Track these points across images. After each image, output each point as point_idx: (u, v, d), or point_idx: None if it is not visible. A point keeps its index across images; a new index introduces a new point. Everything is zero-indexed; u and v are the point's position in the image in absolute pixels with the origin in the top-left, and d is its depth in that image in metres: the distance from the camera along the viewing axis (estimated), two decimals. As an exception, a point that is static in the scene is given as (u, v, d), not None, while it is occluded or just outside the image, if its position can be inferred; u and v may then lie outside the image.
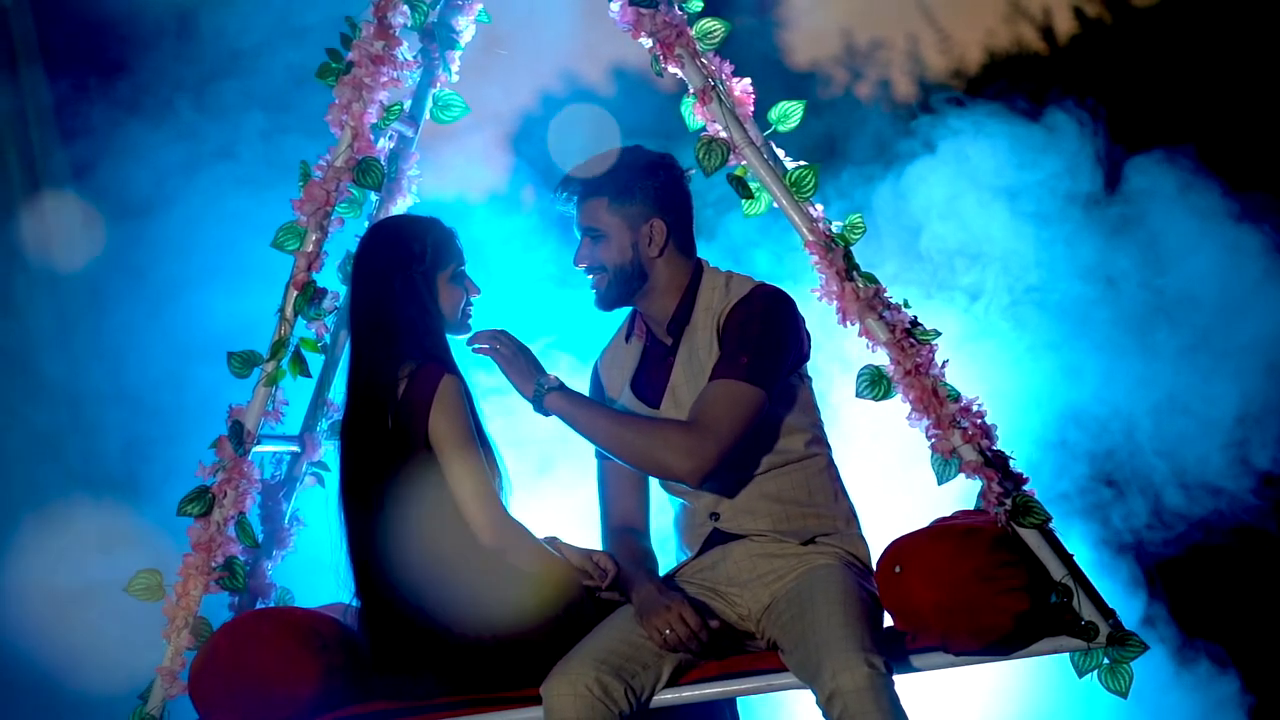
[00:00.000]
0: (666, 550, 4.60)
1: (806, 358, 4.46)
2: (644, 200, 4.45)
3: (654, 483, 4.57)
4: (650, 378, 4.52)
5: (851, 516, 4.47)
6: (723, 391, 4.30)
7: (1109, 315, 6.16)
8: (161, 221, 6.34)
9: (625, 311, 4.63)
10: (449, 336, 4.47)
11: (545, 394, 4.38)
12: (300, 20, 6.33)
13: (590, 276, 4.53)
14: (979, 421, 4.32)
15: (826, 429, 4.53)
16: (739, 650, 4.36)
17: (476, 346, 4.46)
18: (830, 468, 4.48)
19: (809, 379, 4.49)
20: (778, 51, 9.24)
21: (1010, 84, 6.67)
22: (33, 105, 6.67)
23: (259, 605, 4.61)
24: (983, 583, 4.14)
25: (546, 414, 4.41)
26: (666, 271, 4.48)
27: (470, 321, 4.50)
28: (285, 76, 6.33)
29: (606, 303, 4.53)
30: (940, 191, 6.05)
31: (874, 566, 4.40)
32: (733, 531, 4.43)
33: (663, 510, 4.62)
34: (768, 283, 4.49)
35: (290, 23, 6.36)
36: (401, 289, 4.39)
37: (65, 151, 6.68)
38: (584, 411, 4.38)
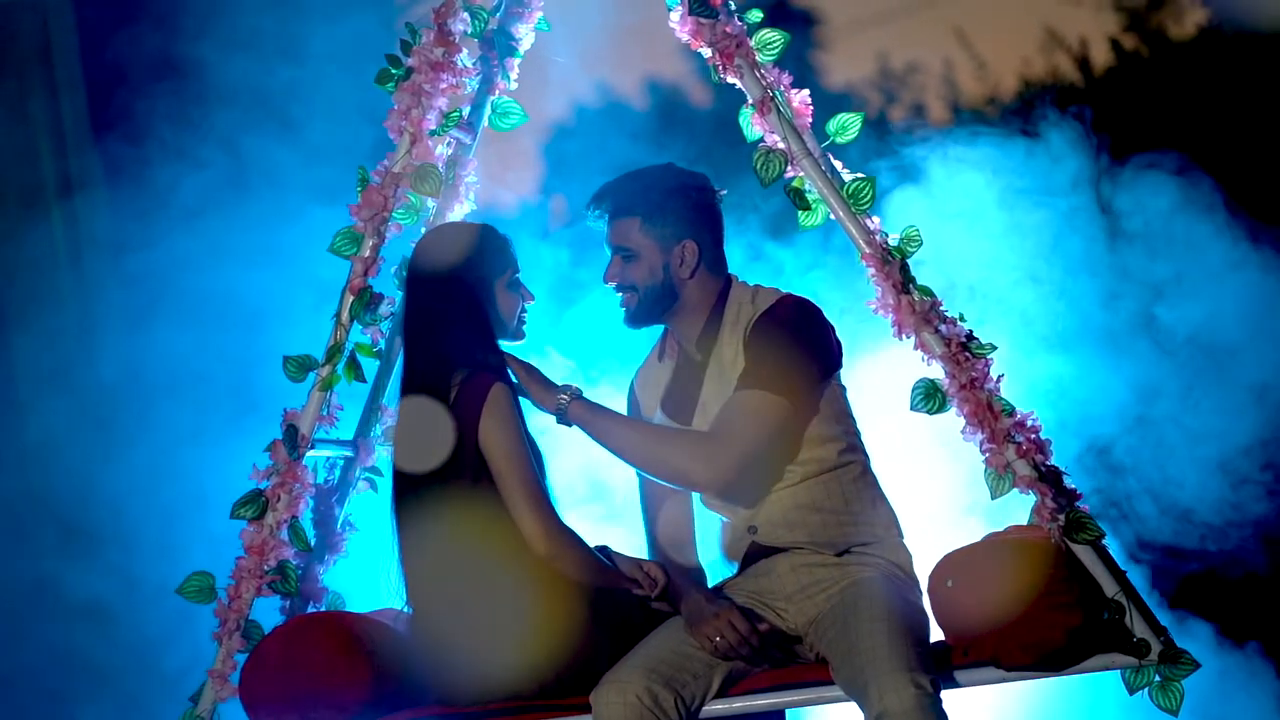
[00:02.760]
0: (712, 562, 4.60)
1: (838, 365, 4.45)
2: (677, 221, 4.46)
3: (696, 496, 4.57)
4: (681, 395, 4.52)
5: (892, 523, 4.45)
6: (744, 401, 4.29)
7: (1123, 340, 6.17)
8: (186, 232, 6.38)
9: (655, 330, 4.64)
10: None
11: (569, 405, 4.38)
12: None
13: (620, 295, 4.53)
14: (1033, 437, 4.30)
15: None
16: (790, 657, 4.35)
17: None
18: (866, 474, 4.46)
19: (842, 387, 4.47)
20: (813, 72, 9.27)
21: (1041, 111, 6.67)
22: (69, 108, 6.69)
23: (310, 609, 4.61)
24: (1036, 597, 4.13)
25: (569, 424, 4.40)
26: (698, 291, 4.48)
27: (524, 328, 4.51)
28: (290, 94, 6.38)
29: (635, 321, 4.53)
30: (947, 214, 6.05)
31: (917, 575, 4.40)
32: (771, 544, 4.42)
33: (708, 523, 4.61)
34: (794, 293, 4.49)
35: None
36: (455, 296, 4.39)
37: (99, 154, 6.71)
38: (604, 421, 4.39)
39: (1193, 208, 6.14)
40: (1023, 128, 6.25)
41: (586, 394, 4.45)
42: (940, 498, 5.49)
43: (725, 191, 4.54)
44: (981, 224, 5.99)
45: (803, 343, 4.35)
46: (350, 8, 6.66)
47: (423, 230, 4.66)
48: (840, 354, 4.45)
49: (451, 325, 4.38)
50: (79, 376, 6.51)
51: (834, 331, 4.44)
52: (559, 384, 4.43)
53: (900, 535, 4.46)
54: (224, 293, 6.30)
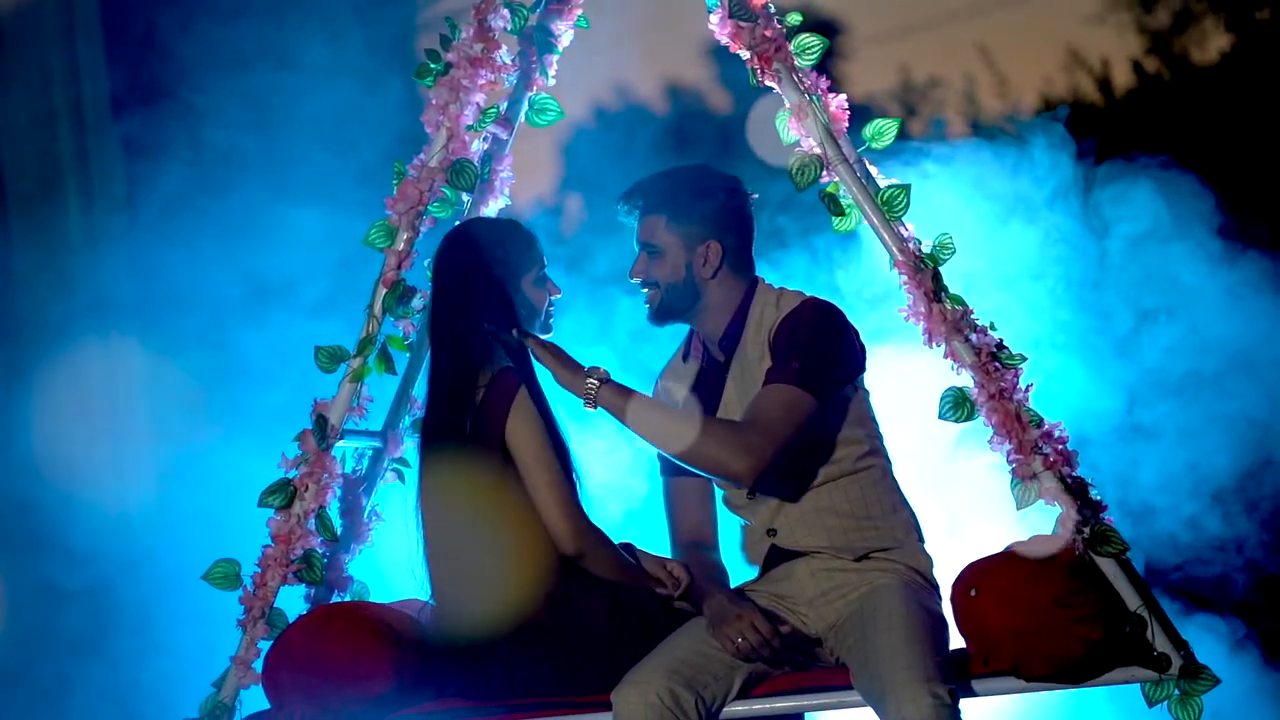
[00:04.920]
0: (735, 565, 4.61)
1: (862, 369, 4.45)
2: (703, 221, 4.47)
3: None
4: (705, 396, 4.52)
5: (912, 528, 4.45)
6: (776, 395, 4.29)
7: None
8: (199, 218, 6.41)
9: (682, 329, 4.65)
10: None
11: (599, 389, 4.35)
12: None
13: (644, 291, 4.55)
14: (1060, 448, 4.31)
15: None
16: (811, 660, 4.36)
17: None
18: (887, 478, 4.46)
19: (866, 391, 4.48)
20: (834, 82, 9.29)
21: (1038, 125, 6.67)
22: (90, 93, 6.71)
23: (335, 598, 4.62)
24: (1059, 609, 4.13)
25: (595, 408, 4.37)
26: (720, 291, 4.49)
27: (552, 323, 4.52)
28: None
29: (658, 318, 4.55)
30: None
31: (937, 581, 4.41)
32: (790, 548, 4.43)
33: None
34: (819, 296, 4.50)
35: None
36: (482, 293, 4.40)
37: (117, 133, 6.72)
38: (637, 407, 4.35)
39: (1190, 225, 6.13)
40: (1016, 140, 6.24)
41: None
42: (959, 503, 5.50)
43: (757, 195, 4.56)
44: (970, 234, 6.00)
45: (829, 344, 4.36)
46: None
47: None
48: (864, 358, 4.46)
49: (478, 322, 4.39)
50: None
51: (858, 335, 4.45)
52: (587, 366, 4.39)
53: (921, 540, 4.46)
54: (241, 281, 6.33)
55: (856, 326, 4.47)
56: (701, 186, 4.49)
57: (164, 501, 6.26)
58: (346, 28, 6.61)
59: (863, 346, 4.46)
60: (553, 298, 4.52)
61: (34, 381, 6.39)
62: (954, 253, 4.41)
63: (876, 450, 4.47)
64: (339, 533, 4.60)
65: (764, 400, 4.30)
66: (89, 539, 6.19)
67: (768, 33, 4.45)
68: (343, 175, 6.22)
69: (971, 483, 5.38)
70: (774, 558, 4.46)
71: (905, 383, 4.60)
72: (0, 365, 6.43)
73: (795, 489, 4.41)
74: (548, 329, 4.51)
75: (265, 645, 4.48)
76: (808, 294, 4.50)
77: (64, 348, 6.45)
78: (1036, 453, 4.29)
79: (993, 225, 5.86)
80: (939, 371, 4.45)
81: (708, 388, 4.53)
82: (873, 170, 4.48)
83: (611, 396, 4.34)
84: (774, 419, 4.26)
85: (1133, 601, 4.25)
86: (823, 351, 4.34)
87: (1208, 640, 5.74)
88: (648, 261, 4.51)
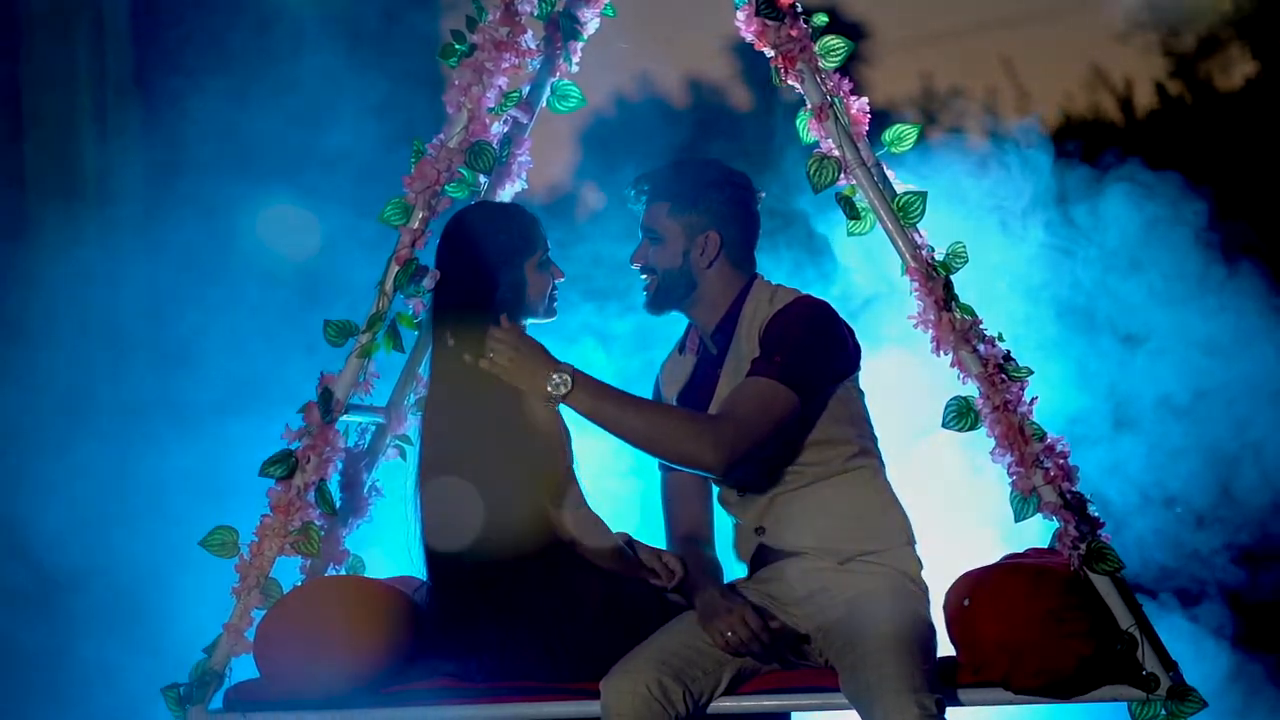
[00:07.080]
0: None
1: (855, 368, 4.46)
2: (704, 211, 4.49)
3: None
4: (699, 389, 4.54)
5: (903, 528, 4.44)
6: (754, 388, 4.30)
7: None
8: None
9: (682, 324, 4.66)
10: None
11: (565, 395, 4.30)
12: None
13: (643, 277, 4.57)
14: (1061, 463, 4.31)
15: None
16: (800, 657, 4.36)
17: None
18: (877, 479, 4.46)
19: (860, 391, 4.49)
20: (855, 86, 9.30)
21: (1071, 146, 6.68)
22: (114, 72, 6.72)
23: (331, 571, 4.61)
24: (1052, 624, 4.15)
25: (556, 406, 4.33)
26: (717, 283, 4.51)
27: (556, 306, 4.53)
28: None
29: (654, 305, 4.57)
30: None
31: (927, 584, 4.41)
32: (778, 547, 4.44)
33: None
34: (812, 294, 4.50)
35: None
36: (486, 277, 4.40)
37: (139, 111, 6.74)
38: (608, 406, 4.31)
39: (1180, 238, 6.15)
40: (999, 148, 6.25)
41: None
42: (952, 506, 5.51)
43: (764, 194, 4.57)
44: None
45: (817, 341, 4.37)
46: None
47: (472, 208, 4.68)
48: (857, 357, 4.47)
49: (480, 309, 4.39)
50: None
51: (852, 334, 4.46)
52: (553, 367, 4.32)
53: (912, 543, 4.45)
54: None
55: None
56: (707, 178, 4.52)
57: (159, 494, 6.28)
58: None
59: (857, 346, 4.47)
60: (556, 281, 4.53)
61: (31, 374, 6.41)
62: (966, 261, 4.41)
63: (868, 451, 4.47)
64: (338, 506, 4.60)
65: (741, 392, 4.31)
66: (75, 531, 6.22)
67: (793, 32, 4.45)
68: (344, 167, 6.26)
69: (935, 488, 5.42)
70: (762, 556, 4.48)
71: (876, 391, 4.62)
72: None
73: (784, 488, 4.42)
74: (551, 313, 4.52)
75: (258, 615, 4.48)
76: (803, 291, 4.52)
77: (66, 339, 6.48)
78: (1038, 467, 4.29)
79: (973, 233, 5.89)
80: (910, 380, 4.46)
81: (702, 381, 4.54)
82: (890, 175, 4.48)
83: (581, 399, 4.30)
84: (749, 411, 4.27)
85: (1125, 620, 4.26)
86: (809, 348, 4.34)
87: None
88: (648, 248, 4.54)
